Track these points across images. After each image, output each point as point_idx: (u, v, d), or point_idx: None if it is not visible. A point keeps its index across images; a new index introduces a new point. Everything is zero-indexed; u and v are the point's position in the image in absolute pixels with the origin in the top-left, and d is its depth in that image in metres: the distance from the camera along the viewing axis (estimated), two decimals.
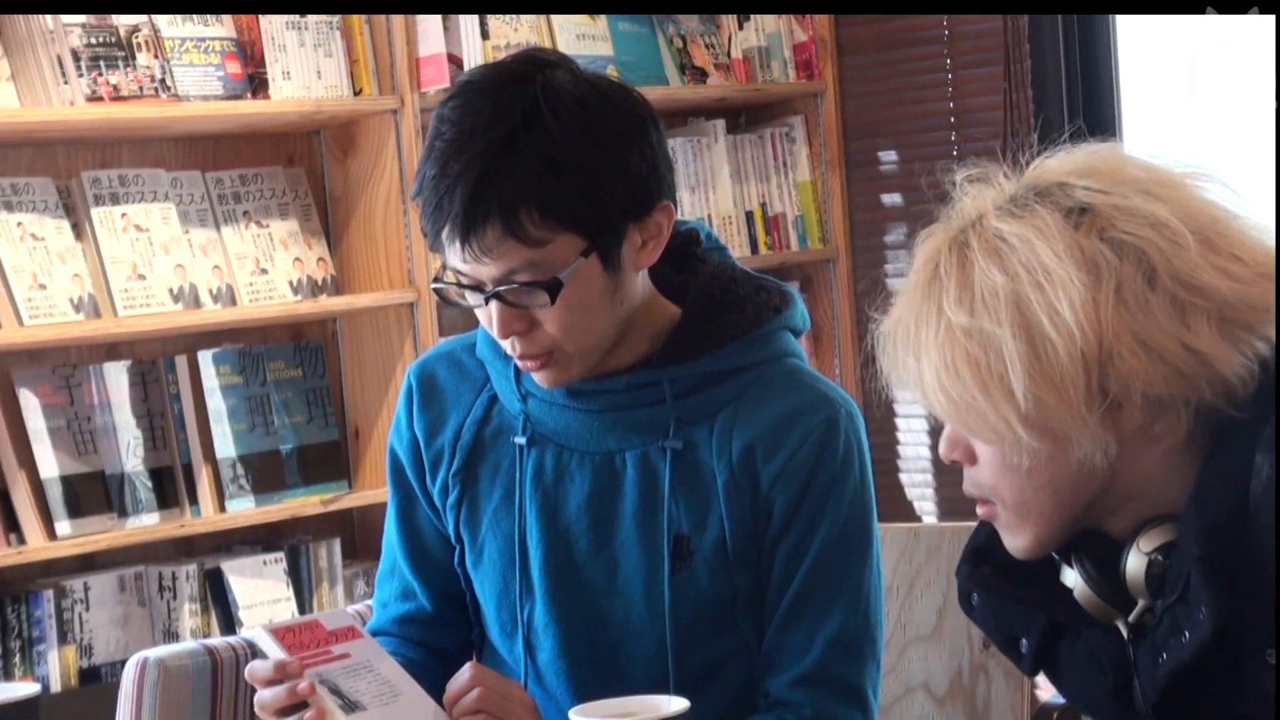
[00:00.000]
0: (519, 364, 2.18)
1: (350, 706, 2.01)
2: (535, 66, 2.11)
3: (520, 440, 2.22)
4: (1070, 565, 1.76)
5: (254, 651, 2.17)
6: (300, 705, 2.01)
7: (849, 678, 2.15)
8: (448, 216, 2.05)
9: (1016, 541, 1.76)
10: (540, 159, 2.04)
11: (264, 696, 2.03)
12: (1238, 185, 1.73)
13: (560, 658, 2.20)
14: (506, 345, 2.15)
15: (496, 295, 2.08)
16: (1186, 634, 1.66)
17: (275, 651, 2.03)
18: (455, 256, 2.08)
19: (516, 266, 2.06)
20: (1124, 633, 1.74)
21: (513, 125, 2.05)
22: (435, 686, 2.14)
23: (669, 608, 2.16)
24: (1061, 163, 1.75)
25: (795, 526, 2.16)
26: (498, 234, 2.04)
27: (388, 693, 2.05)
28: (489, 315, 2.12)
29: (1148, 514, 1.72)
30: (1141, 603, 1.72)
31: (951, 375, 1.68)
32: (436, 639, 2.33)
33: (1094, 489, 1.71)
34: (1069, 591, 1.77)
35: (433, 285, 2.16)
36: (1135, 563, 1.72)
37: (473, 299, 2.12)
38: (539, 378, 2.17)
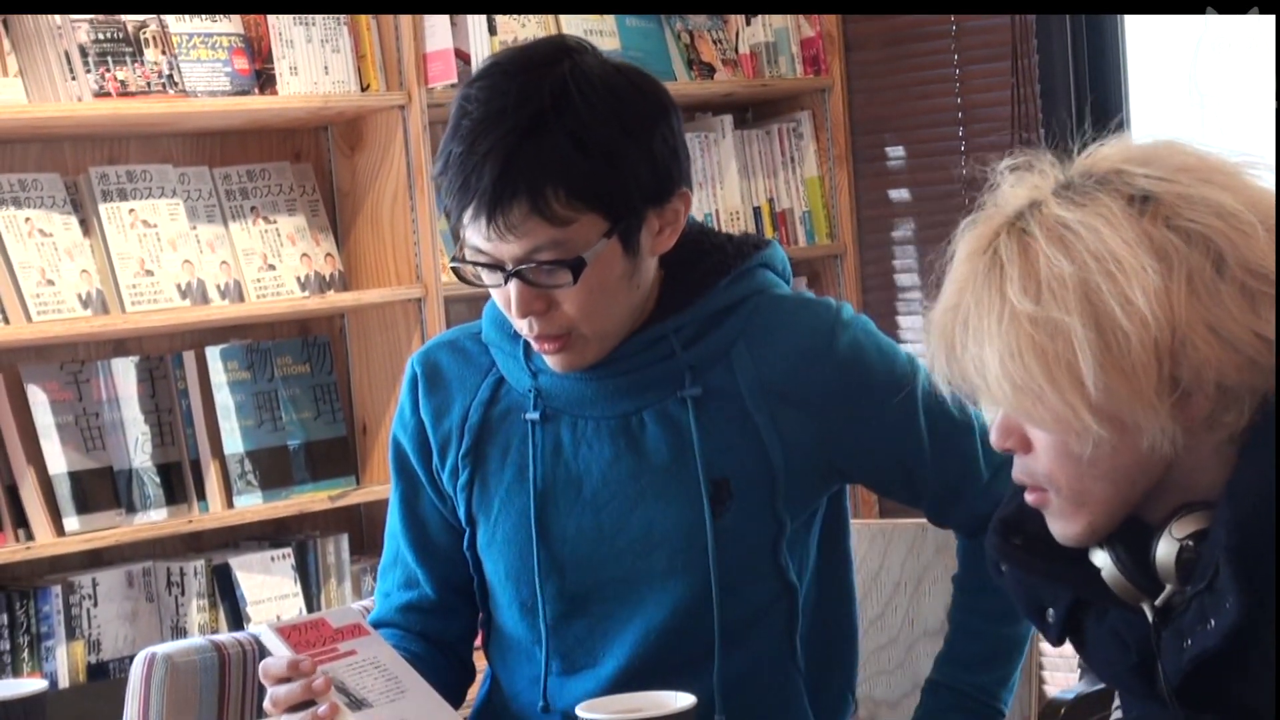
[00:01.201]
0: (535, 346, 2.19)
1: (357, 704, 2.01)
2: (563, 51, 2.14)
3: (533, 416, 2.23)
4: (1101, 546, 1.77)
5: (261, 648, 2.17)
6: (310, 701, 2.02)
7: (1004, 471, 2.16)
8: (474, 194, 2.07)
9: (1069, 529, 1.75)
10: (569, 139, 2.07)
11: (277, 693, 2.04)
12: None
13: (595, 624, 2.22)
14: (524, 326, 2.16)
15: (518, 274, 2.10)
16: (1212, 622, 1.65)
17: (281, 650, 2.03)
18: (478, 235, 2.10)
19: (540, 245, 2.08)
20: (1149, 616, 1.74)
21: (542, 106, 2.08)
22: (438, 678, 2.16)
23: (713, 554, 2.17)
24: (1116, 150, 1.74)
25: (870, 429, 2.20)
26: (524, 212, 2.06)
27: (394, 689, 2.05)
28: (507, 295, 2.13)
29: (1184, 500, 1.72)
30: (1169, 587, 1.72)
31: (1017, 363, 1.67)
32: (439, 628, 2.33)
33: (1153, 478, 1.71)
34: (1097, 571, 1.77)
35: (450, 264, 2.18)
36: (1166, 549, 1.71)
37: (491, 279, 2.13)
38: (554, 362, 2.19)
